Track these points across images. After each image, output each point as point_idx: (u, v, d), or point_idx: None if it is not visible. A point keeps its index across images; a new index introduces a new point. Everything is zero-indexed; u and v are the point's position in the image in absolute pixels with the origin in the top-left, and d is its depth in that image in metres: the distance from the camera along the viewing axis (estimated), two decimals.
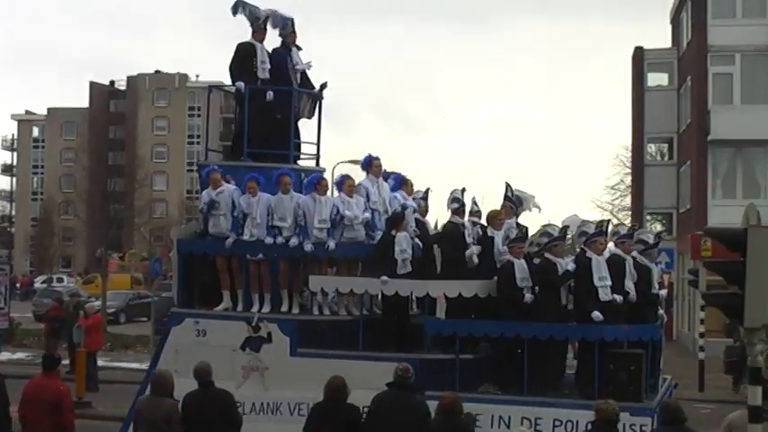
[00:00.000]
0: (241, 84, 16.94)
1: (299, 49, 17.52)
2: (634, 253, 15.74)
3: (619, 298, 15.08)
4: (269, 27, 17.38)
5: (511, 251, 15.57)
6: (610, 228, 16.50)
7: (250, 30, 17.39)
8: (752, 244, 10.48)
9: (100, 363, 29.58)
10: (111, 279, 55.62)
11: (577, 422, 14.49)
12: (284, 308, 16.39)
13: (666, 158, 49.77)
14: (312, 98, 17.63)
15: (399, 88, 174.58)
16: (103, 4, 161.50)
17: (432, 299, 15.92)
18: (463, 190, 16.43)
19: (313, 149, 18.17)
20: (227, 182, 16.70)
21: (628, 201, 61.04)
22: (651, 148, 50.71)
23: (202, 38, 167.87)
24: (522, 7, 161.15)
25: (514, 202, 16.92)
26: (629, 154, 54.30)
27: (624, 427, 14.30)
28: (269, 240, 16.21)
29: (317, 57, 17.84)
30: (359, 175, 17.28)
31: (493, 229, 16.24)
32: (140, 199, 69.54)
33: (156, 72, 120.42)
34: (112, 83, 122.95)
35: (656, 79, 48.51)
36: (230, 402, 13.40)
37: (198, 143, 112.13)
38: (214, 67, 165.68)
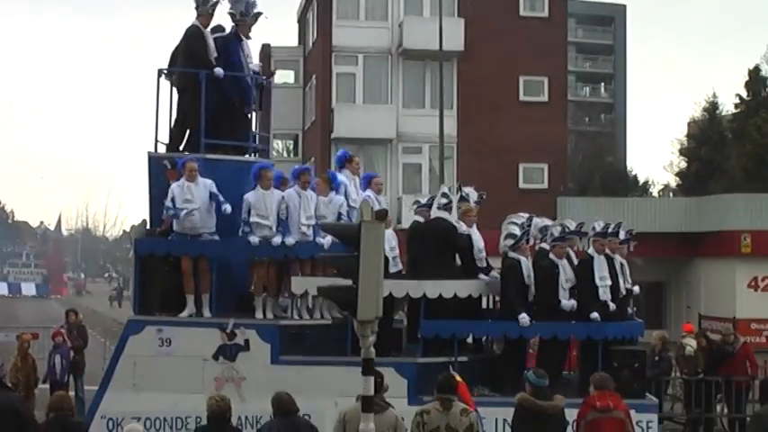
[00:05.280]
0: (220, 70, 15.45)
1: (248, 39, 16.27)
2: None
3: (612, 305, 15.48)
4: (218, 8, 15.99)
5: (517, 249, 15.47)
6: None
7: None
8: (364, 239, 10.60)
9: None
10: None
11: None
12: (258, 314, 15.16)
13: (292, 155, 50.30)
14: (259, 90, 16.45)
15: None
16: None
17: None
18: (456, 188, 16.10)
19: None
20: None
21: None
22: (277, 144, 51.05)
23: None
24: None
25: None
26: None
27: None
28: (254, 240, 14.96)
29: None
30: None
31: (467, 226, 15.96)
32: None
33: None
34: None
35: (282, 77, 48.81)
36: None
37: None
38: None
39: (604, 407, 12.05)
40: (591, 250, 15.59)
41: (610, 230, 15.92)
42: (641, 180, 65.23)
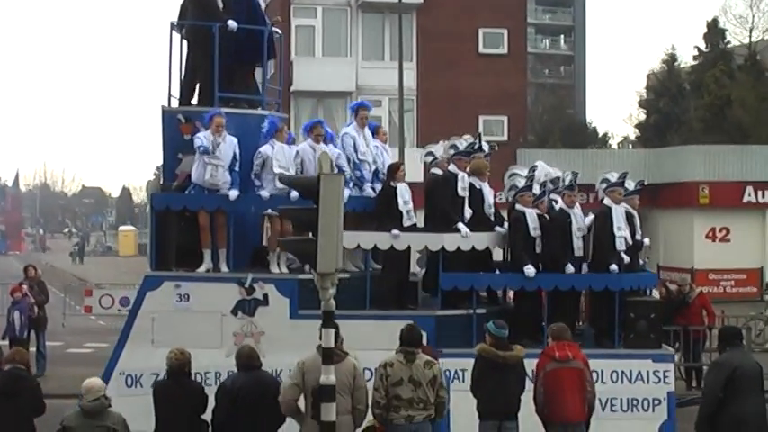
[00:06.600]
0: (234, 23, 15.16)
1: None
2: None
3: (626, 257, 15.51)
4: None
5: (521, 201, 15.39)
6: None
7: None
8: (324, 191, 10.56)
9: None
10: None
11: (602, 371, 14.57)
12: (274, 268, 15.04)
13: None
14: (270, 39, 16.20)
15: None
16: None
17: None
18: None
19: None
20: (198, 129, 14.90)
21: None
22: None
23: None
24: None
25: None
26: None
27: (648, 375, 14.82)
28: (264, 195, 14.76)
29: None
30: None
31: (480, 181, 15.89)
32: None
33: None
34: None
35: None
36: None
37: None
38: None
39: (563, 357, 12.22)
40: (607, 201, 15.53)
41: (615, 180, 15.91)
42: (601, 132, 65.95)
